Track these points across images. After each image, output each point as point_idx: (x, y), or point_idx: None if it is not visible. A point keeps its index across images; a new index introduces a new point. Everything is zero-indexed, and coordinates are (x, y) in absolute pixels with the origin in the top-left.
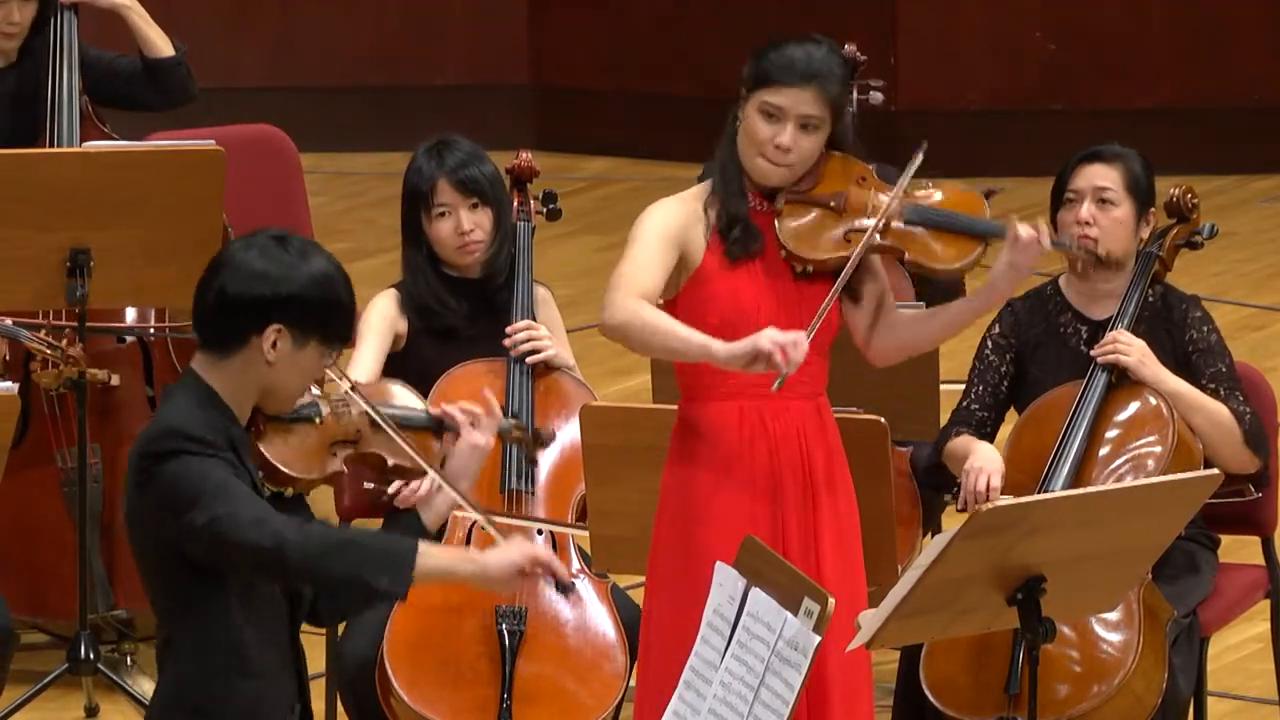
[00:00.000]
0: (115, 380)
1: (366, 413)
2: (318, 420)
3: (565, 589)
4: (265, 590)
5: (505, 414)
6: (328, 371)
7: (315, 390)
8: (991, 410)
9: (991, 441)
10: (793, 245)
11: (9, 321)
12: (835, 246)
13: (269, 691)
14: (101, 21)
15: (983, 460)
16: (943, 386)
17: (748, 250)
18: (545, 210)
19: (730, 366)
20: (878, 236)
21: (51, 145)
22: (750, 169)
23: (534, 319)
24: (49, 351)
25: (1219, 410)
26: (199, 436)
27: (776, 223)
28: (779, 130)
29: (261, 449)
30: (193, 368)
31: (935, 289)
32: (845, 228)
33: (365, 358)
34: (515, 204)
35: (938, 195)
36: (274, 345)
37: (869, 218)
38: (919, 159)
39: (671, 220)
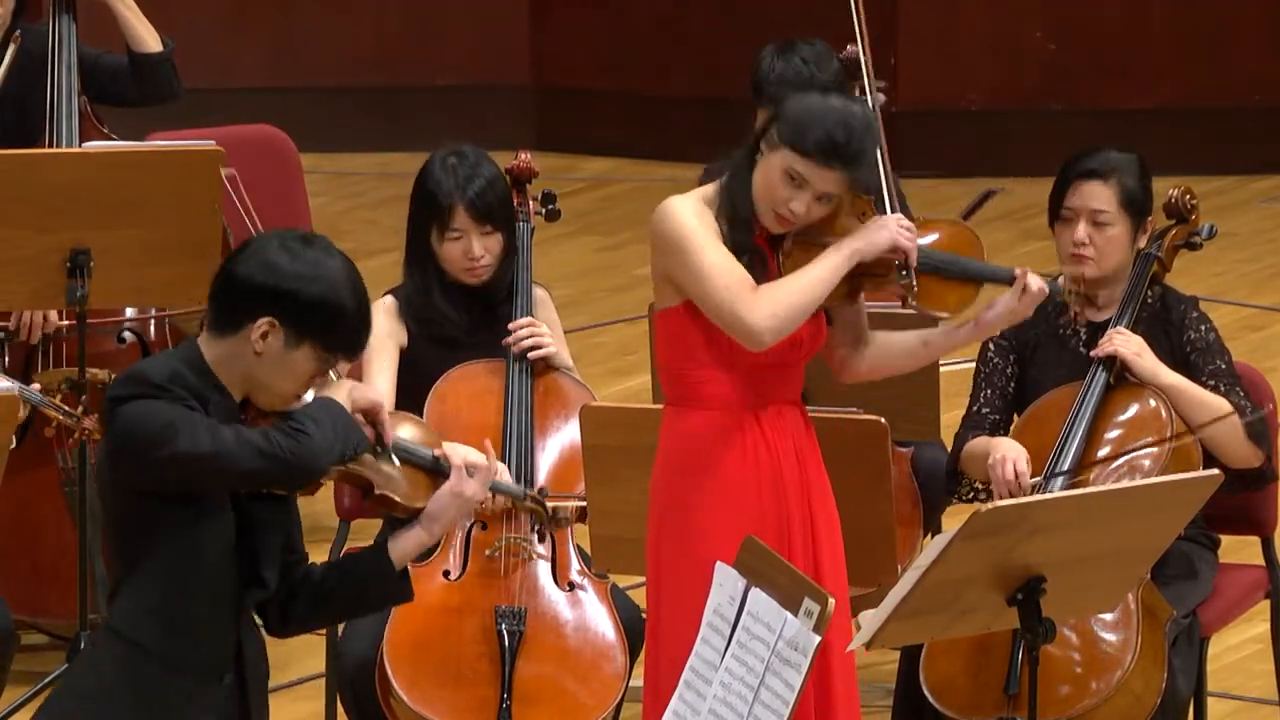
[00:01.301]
0: (99, 431)
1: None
2: None
3: (383, 452)
4: (215, 563)
5: (506, 419)
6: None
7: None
8: (1002, 413)
9: None
10: None
11: (35, 387)
12: (840, 291)
13: (196, 652)
14: (96, 20)
15: (1004, 449)
16: (943, 367)
17: (756, 276)
18: (544, 211)
19: (872, 256)
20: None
21: (51, 146)
22: (758, 212)
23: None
24: (64, 419)
25: (1220, 405)
26: (160, 385)
27: (783, 262)
28: (797, 197)
29: None
30: (195, 339)
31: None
32: (853, 273)
33: (380, 380)
34: (515, 204)
35: (934, 235)
36: (264, 337)
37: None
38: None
39: (705, 219)
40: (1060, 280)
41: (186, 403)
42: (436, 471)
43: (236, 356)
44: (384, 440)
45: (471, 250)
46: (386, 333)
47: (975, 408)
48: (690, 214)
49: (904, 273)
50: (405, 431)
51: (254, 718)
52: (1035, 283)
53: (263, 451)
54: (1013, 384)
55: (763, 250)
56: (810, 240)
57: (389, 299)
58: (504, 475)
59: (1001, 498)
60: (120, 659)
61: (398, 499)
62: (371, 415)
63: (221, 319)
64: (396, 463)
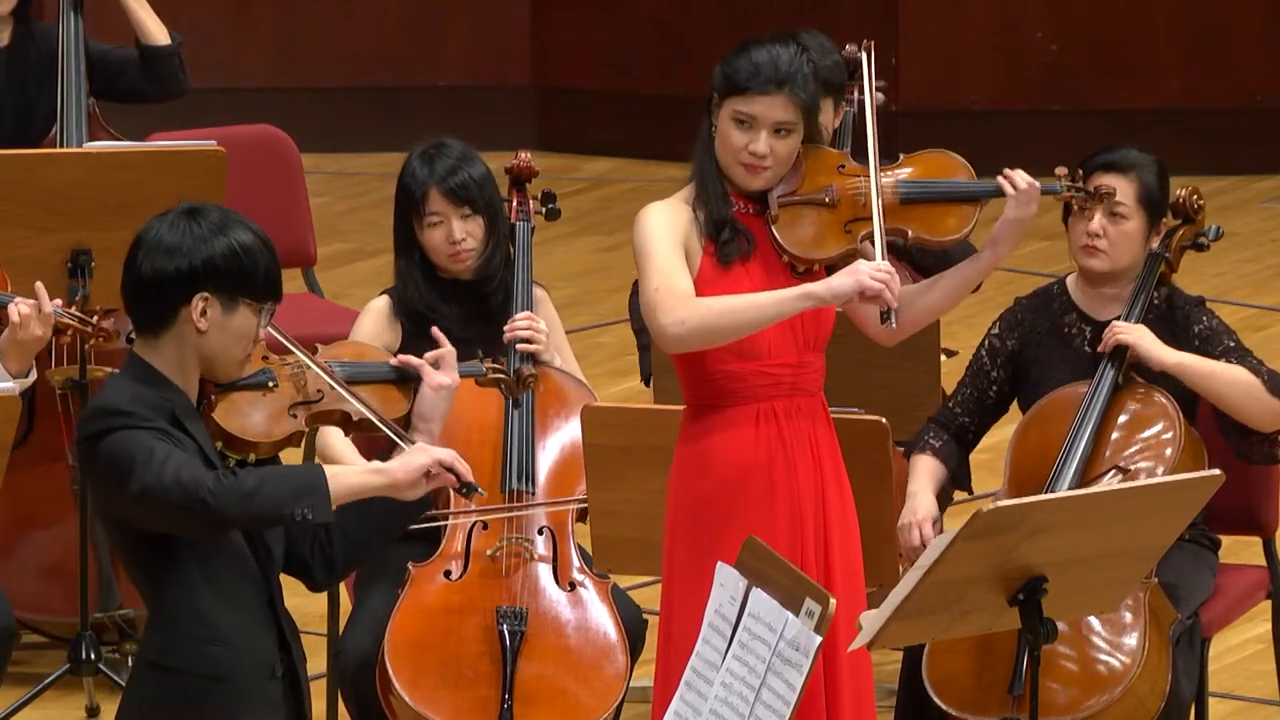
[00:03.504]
0: (116, 335)
1: (322, 375)
2: (271, 385)
3: (469, 489)
4: (229, 555)
5: (507, 417)
6: (288, 345)
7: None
8: (975, 416)
9: (972, 446)
10: (799, 250)
11: (57, 302)
12: (839, 240)
13: (236, 655)
14: (104, 15)
15: (910, 514)
16: (944, 368)
17: (740, 251)
18: (544, 210)
19: (835, 304)
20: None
21: (60, 147)
22: (730, 176)
23: None
24: (82, 327)
25: (1233, 370)
26: (125, 410)
27: (774, 230)
28: (753, 138)
29: (217, 420)
30: (133, 350)
31: (941, 258)
32: (845, 220)
33: None
34: (515, 203)
35: (907, 170)
36: (203, 314)
37: (863, 203)
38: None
39: (671, 223)
40: (1058, 182)
41: (154, 424)
42: (403, 379)
43: (180, 346)
44: (465, 480)
45: (452, 234)
46: (366, 338)
47: (951, 404)
48: (657, 220)
49: (885, 315)
50: (352, 354)
51: (305, 702)
52: (1021, 180)
53: (184, 488)
54: (994, 388)
55: (745, 226)
56: (793, 200)
57: (382, 299)
58: None
59: (909, 560)
60: (166, 688)
61: (377, 419)
62: (446, 468)
63: (151, 319)
64: (482, 492)
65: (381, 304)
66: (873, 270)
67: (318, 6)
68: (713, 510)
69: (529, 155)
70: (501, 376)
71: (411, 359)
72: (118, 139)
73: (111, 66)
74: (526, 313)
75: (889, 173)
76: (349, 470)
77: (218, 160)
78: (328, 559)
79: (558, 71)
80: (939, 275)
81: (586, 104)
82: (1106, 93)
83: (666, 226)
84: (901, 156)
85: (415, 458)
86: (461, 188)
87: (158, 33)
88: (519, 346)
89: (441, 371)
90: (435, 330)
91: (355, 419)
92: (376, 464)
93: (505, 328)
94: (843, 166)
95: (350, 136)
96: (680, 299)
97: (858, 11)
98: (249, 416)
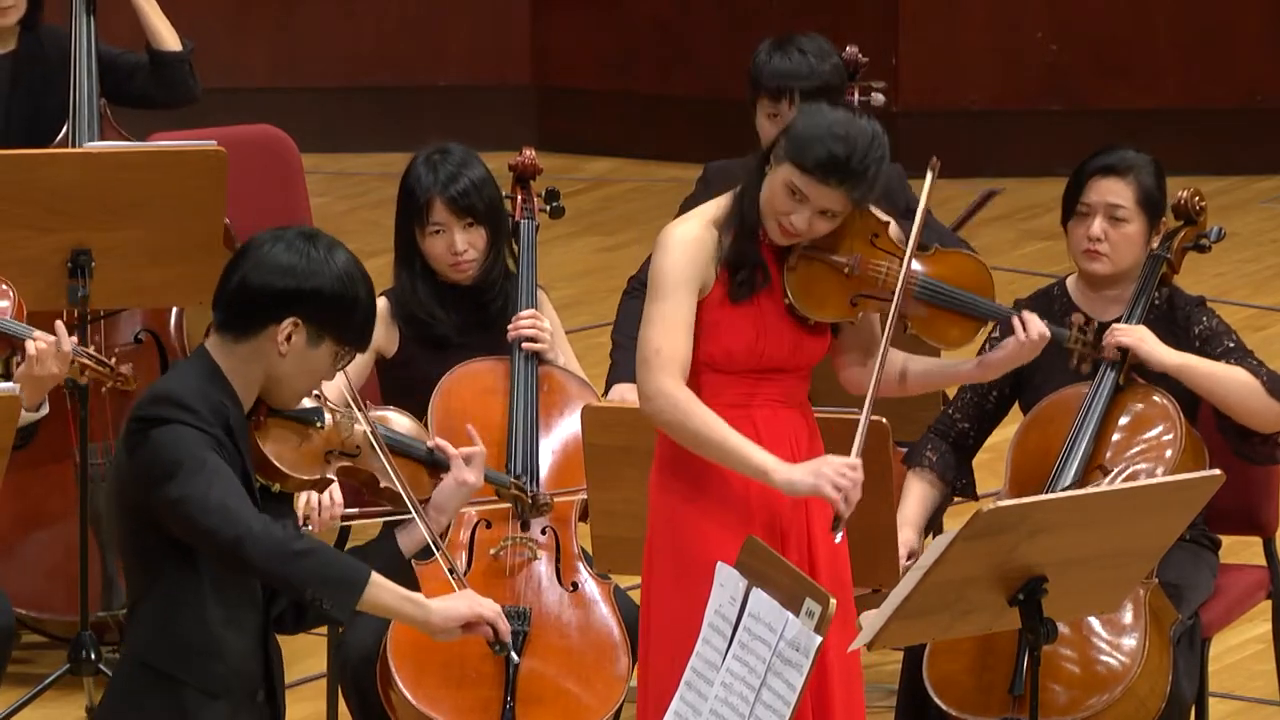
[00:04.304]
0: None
1: (367, 433)
2: (319, 424)
3: (503, 648)
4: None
5: (511, 415)
6: (343, 392)
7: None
8: (974, 422)
9: (973, 453)
10: (801, 303)
11: (74, 340)
12: (841, 310)
13: (231, 674)
14: (115, 19)
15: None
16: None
17: (753, 289)
18: (548, 208)
19: (786, 493)
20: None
21: (72, 146)
22: (765, 223)
23: None
24: (99, 369)
25: (1233, 371)
26: (191, 406)
27: (786, 274)
28: (797, 210)
29: (258, 440)
30: (204, 346)
31: None
32: (854, 293)
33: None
34: (519, 201)
35: (935, 267)
36: (288, 338)
37: (880, 284)
38: (919, 223)
39: (691, 257)
40: (1069, 329)
41: (212, 430)
42: (433, 464)
43: (254, 359)
44: (503, 640)
45: (454, 244)
46: None
47: (950, 409)
48: (679, 252)
49: (834, 523)
50: (395, 426)
51: None
52: (1035, 330)
53: (227, 515)
54: (993, 393)
55: (765, 262)
56: (815, 255)
57: (380, 301)
58: None
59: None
60: (164, 697)
61: (402, 492)
62: (487, 622)
63: (239, 324)
64: (515, 657)
65: (380, 305)
66: (836, 476)
67: (318, 6)
68: (688, 513)
69: (533, 152)
70: (519, 495)
71: (448, 447)
72: (128, 140)
73: (121, 70)
74: (531, 310)
75: (916, 269)
76: (390, 589)
77: (218, 160)
78: (299, 612)
79: (558, 71)
80: (928, 371)
81: (586, 104)
82: (1106, 93)
83: (686, 267)
84: (935, 248)
85: (458, 606)
86: (464, 196)
87: (169, 38)
88: (524, 345)
89: (470, 469)
90: (470, 428)
91: (381, 485)
92: (419, 596)
93: (509, 325)
94: (876, 237)
95: (350, 136)
96: (669, 374)
97: (858, 11)
98: (288, 447)
